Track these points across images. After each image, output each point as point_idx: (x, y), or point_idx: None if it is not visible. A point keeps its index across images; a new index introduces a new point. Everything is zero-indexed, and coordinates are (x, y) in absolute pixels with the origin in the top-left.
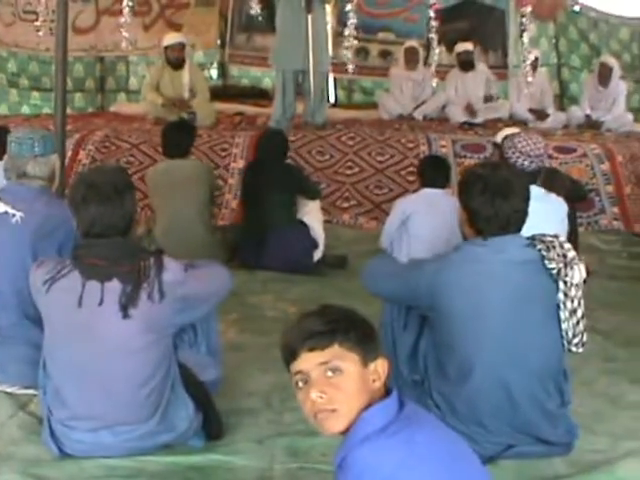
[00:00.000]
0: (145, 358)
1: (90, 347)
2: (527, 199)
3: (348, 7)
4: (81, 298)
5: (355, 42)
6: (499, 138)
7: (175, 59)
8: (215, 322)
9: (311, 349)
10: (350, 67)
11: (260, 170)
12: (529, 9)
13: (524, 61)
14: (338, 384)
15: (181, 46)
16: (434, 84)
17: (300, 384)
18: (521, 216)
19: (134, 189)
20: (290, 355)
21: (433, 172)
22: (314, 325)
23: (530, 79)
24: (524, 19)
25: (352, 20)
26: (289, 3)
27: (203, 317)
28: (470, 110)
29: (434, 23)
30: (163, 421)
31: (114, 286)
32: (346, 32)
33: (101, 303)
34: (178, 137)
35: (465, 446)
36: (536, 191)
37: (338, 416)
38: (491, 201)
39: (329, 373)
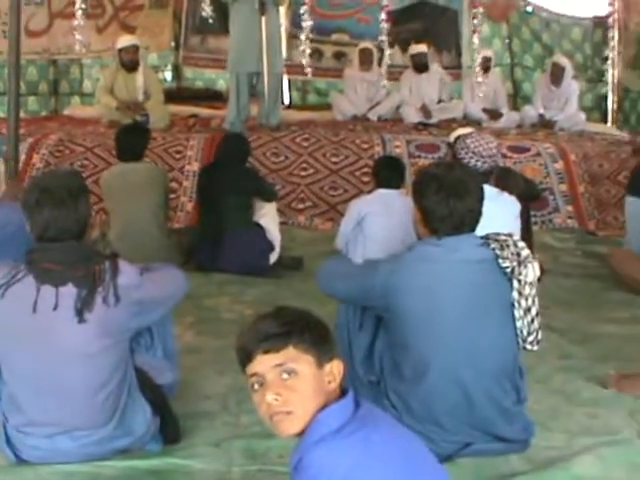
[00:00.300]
0: (101, 363)
1: (45, 352)
2: (481, 199)
3: (302, 9)
4: (35, 303)
5: (309, 44)
6: (452, 138)
7: (129, 61)
8: (171, 325)
9: (266, 351)
10: (308, 70)
11: (217, 172)
12: (480, 10)
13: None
14: (293, 386)
15: (135, 48)
16: (383, 85)
17: (256, 386)
18: (475, 216)
19: (88, 193)
20: (245, 357)
21: (388, 172)
22: (269, 327)
23: (480, 79)
24: (475, 20)
25: (308, 22)
26: (243, 6)
27: (159, 320)
28: (425, 111)
29: (386, 25)
30: (120, 425)
31: (69, 291)
32: (302, 35)
33: (56, 308)
34: (131, 140)
35: (421, 445)
36: (489, 190)
37: (294, 418)
38: (446, 201)
39: (284, 375)
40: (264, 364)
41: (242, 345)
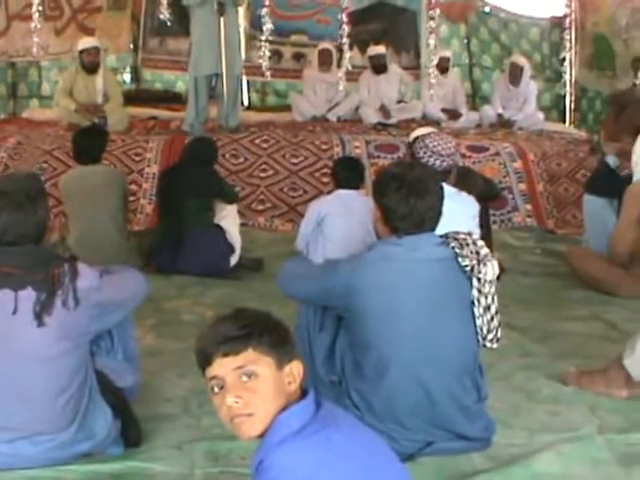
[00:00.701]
0: (62, 366)
1: (5, 356)
2: (441, 198)
3: (261, 11)
4: None
5: (268, 45)
6: (411, 138)
7: (90, 63)
8: (132, 328)
9: (225, 354)
10: (267, 73)
11: (178, 175)
12: (437, 12)
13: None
14: (253, 388)
15: (96, 50)
16: (341, 87)
17: (216, 389)
18: (435, 214)
19: (47, 196)
20: (205, 360)
21: (347, 173)
22: (228, 330)
23: (433, 80)
24: (432, 22)
25: (267, 24)
26: (202, 8)
27: (119, 323)
28: (384, 111)
29: (346, 27)
30: (81, 429)
31: (28, 294)
32: (261, 37)
33: (15, 312)
34: (89, 143)
35: (383, 444)
36: (448, 190)
37: (254, 420)
38: (406, 199)
39: (244, 378)
40: (224, 367)
41: (201, 348)
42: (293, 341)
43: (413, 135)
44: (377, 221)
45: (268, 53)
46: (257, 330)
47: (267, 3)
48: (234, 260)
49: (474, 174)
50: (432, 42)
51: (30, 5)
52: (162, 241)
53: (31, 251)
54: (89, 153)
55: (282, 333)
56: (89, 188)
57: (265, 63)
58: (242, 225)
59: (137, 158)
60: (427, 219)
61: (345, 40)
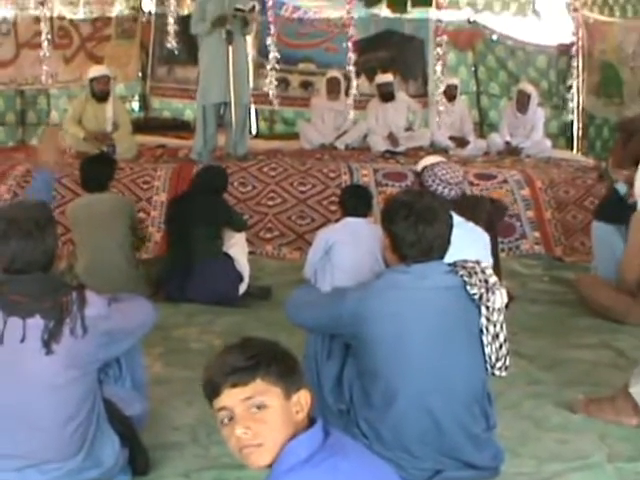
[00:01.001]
0: (69, 394)
1: (13, 385)
2: (450, 226)
3: (269, 39)
4: (2, 335)
5: (275, 74)
6: (420, 167)
7: (100, 92)
8: (140, 356)
9: (234, 385)
10: (275, 102)
11: (187, 203)
12: (445, 39)
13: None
14: (262, 419)
15: (106, 79)
16: (351, 116)
17: (224, 420)
18: (444, 242)
19: (56, 224)
20: (213, 391)
21: (355, 201)
22: (235, 361)
23: (442, 107)
24: (439, 49)
25: (274, 54)
26: (210, 36)
27: (127, 351)
28: (392, 139)
29: (352, 55)
30: (89, 457)
31: (36, 322)
32: (268, 66)
33: (23, 340)
34: (96, 170)
35: (391, 472)
36: (456, 219)
37: (263, 450)
38: (415, 227)
39: (253, 409)
40: (232, 398)
41: (209, 379)
42: (300, 370)
43: (421, 164)
44: (386, 249)
45: (275, 82)
46: (265, 360)
47: (274, 31)
48: (243, 288)
49: (482, 199)
50: (439, 69)
51: (39, 33)
52: (171, 269)
53: (39, 279)
54: (96, 181)
55: (289, 362)
56: (97, 216)
57: (273, 91)
58: (250, 253)
59: (145, 186)
60: (435, 247)
61: (351, 68)
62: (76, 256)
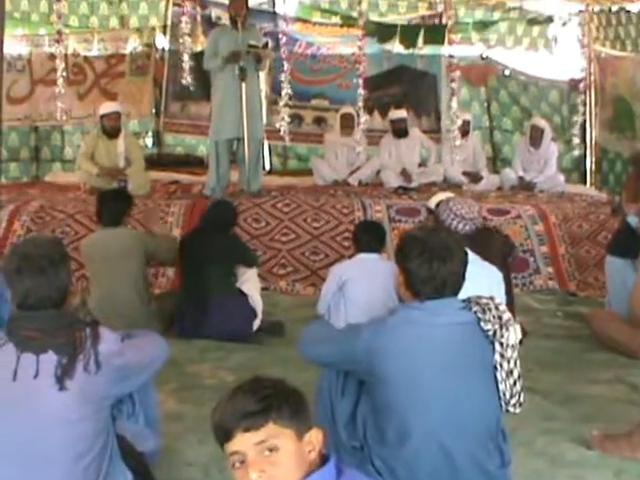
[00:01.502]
0: (82, 430)
1: (26, 421)
2: (465, 263)
3: (282, 76)
4: (16, 371)
5: (288, 110)
6: (433, 203)
7: (111, 128)
8: (153, 392)
9: (246, 430)
10: (287, 137)
11: (200, 239)
12: (458, 74)
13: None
14: (276, 461)
15: (117, 115)
16: (359, 149)
17: (237, 464)
18: (458, 279)
19: (69, 261)
20: (224, 436)
21: (368, 237)
22: (247, 405)
23: (458, 142)
24: (453, 84)
25: (287, 90)
26: (223, 72)
27: (140, 387)
28: (405, 175)
29: (362, 91)
30: None
31: (49, 358)
32: (280, 102)
33: (36, 375)
34: (113, 205)
35: None
36: (471, 255)
37: None
38: (429, 263)
39: (266, 452)
40: (245, 442)
41: (220, 423)
42: (309, 407)
43: (433, 200)
44: (400, 285)
45: (288, 118)
46: (276, 402)
47: (287, 68)
48: (256, 324)
49: (495, 234)
50: (454, 105)
51: (54, 70)
52: (184, 306)
53: (53, 315)
54: (112, 216)
55: (300, 401)
56: (110, 251)
57: (285, 128)
58: (264, 289)
59: (159, 222)
60: (449, 284)
61: (360, 105)
62: (89, 291)
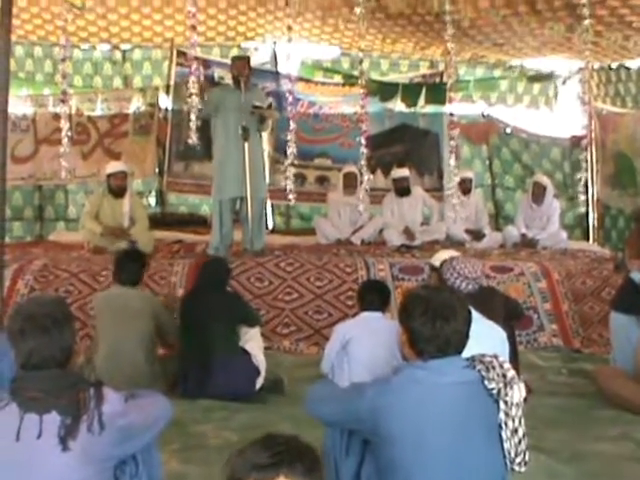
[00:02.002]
0: None
1: None
2: (468, 321)
3: (288, 135)
4: (19, 431)
5: (294, 169)
6: (437, 262)
7: (117, 187)
8: (157, 452)
9: None
10: (291, 196)
11: (200, 299)
12: (457, 132)
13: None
14: None
15: (124, 174)
16: (361, 208)
17: None
18: (461, 338)
19: (73, 320)
20: None
21: (372, 296)
22: (259, 458)
23: (455, 200)
24: (452, 142)
25: (292, 149)
26: (226, 132)
27: (144, 448)
28: (408, 233)
29: (364, 150)
30: None
31: (53, 418)
32: (286, 162)
33: (40, 436)
34: (132, 265)
35: None
36: (474, 313)
37: None
38: (432, 322)
39: None
40: None
41: (231, 474)
42: (323, 466)
43: (437, 257)
44: (403, 344)
45: (292, 177)
46: (288, 457)
47: (292, 127)
48: (259, 383)
49: (498, 293)
50: (452, 162)
51: (58, 130)
52: (187, 365)
53: (57, 375)
54: (131, 275)
55: (313, 459)
56: (123, 309)
57: (291, 187)
58: (267, 348)
59: (162, 282)
60: (453, 342)
61: (363, 163)
62: (97, 346)
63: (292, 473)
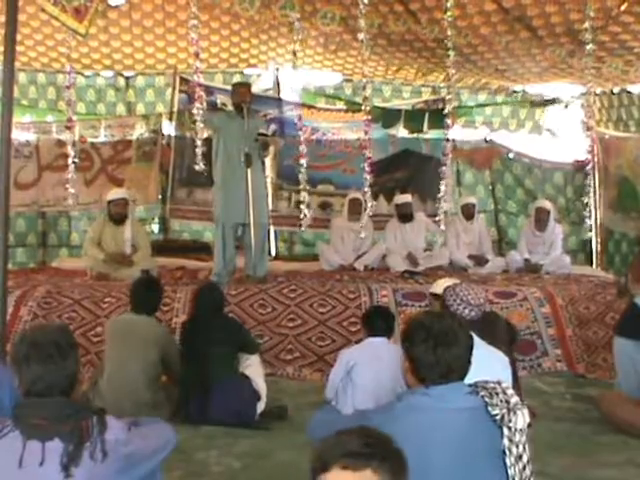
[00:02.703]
0: None
1: None
2: (470, 347)
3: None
4: (22, 458)
5: (307, 195)
6: (439, 289)
7: (117, 214)
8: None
9: (344, 467)
10: (305, 221)
11: (199, 326)
12: (449, 158)
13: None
14: None
15: (124, 201)
16: (363, 235)
17: None
18: (463, 364)
19: (77, 349)
20: (321, 466)
21: (376, 322)
22: (353, 444)
23: (443, 227)
24: (444, 167)
25: (303, 174)
26: (228, 158)
27: (148, 475)
28: (411, 258)
29: (368, 177)
30: None
31: (56, 446)
32: (293, 187)
33: (42, 463)
34: (150, 294)
35: None
36: (476, 340)
37: None
38: (433, 349)
39: None
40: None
41: (320, 453)
42: (408, 474)
43: (440, 285)
44: (406, 371)
45: (307, 201)
46: (381, 453)
47: (304, 151)
48: (260, 408)
49: (500, 318)
50: (442, 188)
51: (61, 156)
52: (189, 392)
53: (60, 403)
54: (147, 304)
55: (401, 464)
56: (128, 335)
57: (308, 212)
58: (270, 375)
59: (165, 308)
60: (455, 369)
61: (367, 189)
62: (102, 370)
63: (381, 469)
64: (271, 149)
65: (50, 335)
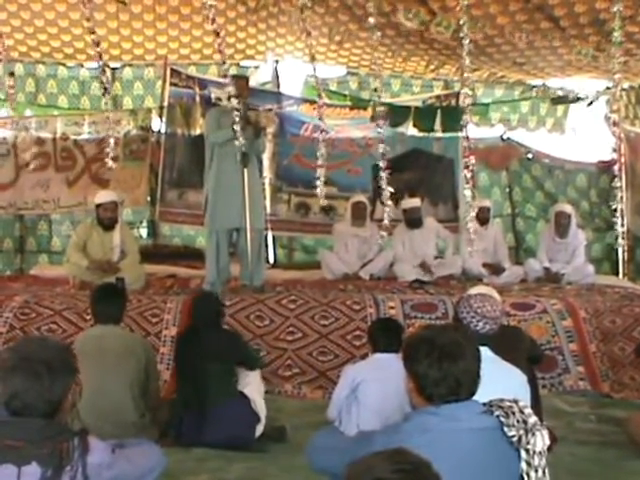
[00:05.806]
0: None
1: None
2: (478, 359)
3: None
4: None
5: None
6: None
7: (107, 219)
8: None
9: None
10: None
11: (196, 339)
12: (472, 160)
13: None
14: None
15: (114, 205)
16: (379, 240)
17: None
18: (473, 378)
19: (72, 374)
20: None
21: (384, 336)
22: (381, 470)
23: (472, 236)
24: (466, 171)
25: (320, 175)
26: (224, 157)
27: None
28: (425, 267)
29: (384, 174)
30: None
31: (33, 470)
32: (318, 189)
33: None
34: (110, 302)
35: None
36: (490, 355)
37: None
38: (438, 363)
39: None
40: None
41: (349, 475)
42: None
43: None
44: (411, 391)
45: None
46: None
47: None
48: (259, 430)
49: (523, 335)
50: (467, 193)
51: (40, 155)
52: (182, 410)
53: (39, 424)
54: (109, 313)
55: None
56: (102, 351)
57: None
58: (268, 392)
59: (154, 320)
60: (464, 383)
61: (384, 188)
62: (80, 394)
63: None
64: (265, 141)
65: (45, 352)
